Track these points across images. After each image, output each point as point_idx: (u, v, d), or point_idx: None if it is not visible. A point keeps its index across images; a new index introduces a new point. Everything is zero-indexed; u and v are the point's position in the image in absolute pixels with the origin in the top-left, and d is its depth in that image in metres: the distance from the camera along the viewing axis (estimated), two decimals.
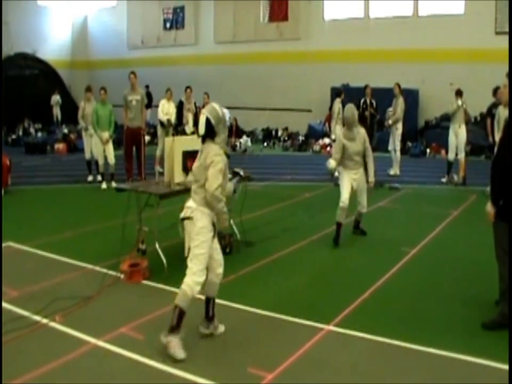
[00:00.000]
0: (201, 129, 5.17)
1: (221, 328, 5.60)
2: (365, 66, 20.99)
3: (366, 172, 8.85)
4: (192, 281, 5.06)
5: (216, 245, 5.43)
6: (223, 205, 5.12)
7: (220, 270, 5.42)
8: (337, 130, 15.22)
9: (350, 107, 8.67)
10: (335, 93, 15.92)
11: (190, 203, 5.25)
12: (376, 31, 21.43)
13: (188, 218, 5.19)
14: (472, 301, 6.36)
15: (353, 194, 8.82)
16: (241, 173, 6.28)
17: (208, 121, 5.12)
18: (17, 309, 6.05)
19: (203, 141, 5.23)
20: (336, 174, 13.87)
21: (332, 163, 8.67)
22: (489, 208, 5.62)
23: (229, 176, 5.73)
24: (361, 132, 8.67)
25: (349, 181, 8.68)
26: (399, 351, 5.19)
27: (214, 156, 5.08)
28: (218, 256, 5.43)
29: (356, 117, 8.57)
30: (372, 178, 8.85)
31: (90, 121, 13.50)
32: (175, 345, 4.99)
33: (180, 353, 4.96)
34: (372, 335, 5.46)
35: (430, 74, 20.09)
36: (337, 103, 15.01)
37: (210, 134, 5.15)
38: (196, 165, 5.31)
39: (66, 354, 5.02)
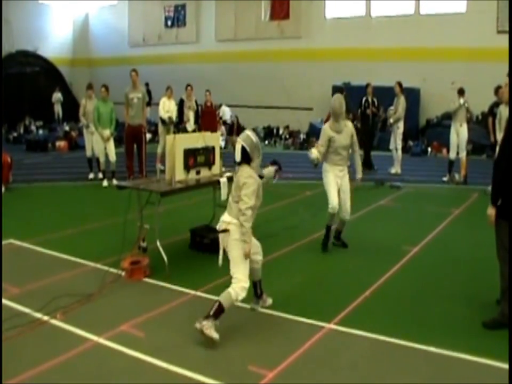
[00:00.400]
0: (238, 156, 5.52)
1: (269, 301, 6.18)
2: (367, 64, 20.96)
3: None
4: (239, 287, 5.37)
5: (252, 240, 5.70)
6: (249, 225, 5.42)
7: (259, 257, 5.91)
8: None
9: (337, 97, 8.12)
10: (336, 90, 15.90)
11: (226, 217, 5.59)
12: (378, 29, 21.41)
13: (224, 231, 5.54)
14: (473, 300, 6.36)
15: None
16: (278, 164, 6.42)
17: (244, 149, 5.48)
18: (18, 306, 6.06)
19: (239, 164, 5.58)
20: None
21: (313, 152, 7.97)
22: (490, 210, 5.61)
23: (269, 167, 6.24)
24: (348, 125, 8.12)
25: (335, 180, 8.08)
26: (400, 349, 5.19)
27: (246, 178, 5.43)
28: (254, 248, 5.78)
29: (343, 108, 7.94)
30: (360, 174, 8.37)
31: (91, 118, 13.50)
32: (210, 327, 5.16)
33: (214, 334, 5.16)
34: (372, 334, 5.46)
35: (431, 73, 20.07)
36: None
37: (246, 160, 5.51)
38: (234, 180, 5.71)
39: (67, 352, 5.03)
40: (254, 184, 5.44)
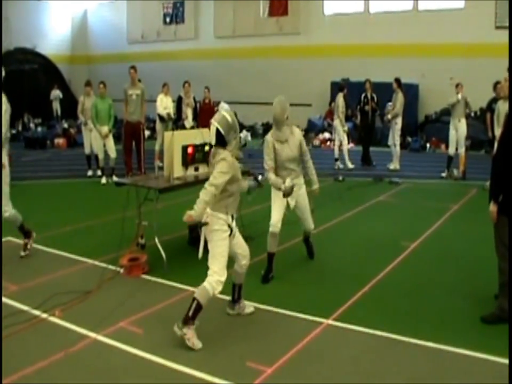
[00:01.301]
0: (212, 139, 5.23)
1: (249, 309, 5.90)
2: (365, 60, 20.96)
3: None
4: (214, 280, 5.13)
5: (238, 239, 5.57)
6: (206, 198, 5.08)
7: (244, 261, 5.62)
8: (337, 124, 15.25)
9: (279, 101, 6.96)
10: (338, 87, 15.91)
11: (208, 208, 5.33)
12: (376, 25, 21.39)
13: (206, 224, 5.28)
14: (472, 295, 6.37)
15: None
16: (259, 178, 5.95)
17: (218, 131, 5.16)
18: (17, 303, 6.06)
19: (214, 147, 5.32)
20: (341, 165, 13.84)
21: (287, 181, 6.47)
22: (492, 207, 5.60)
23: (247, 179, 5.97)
24: (295, 132, 6.95)
25: (281, 198, 6.75)
26: (398, 345, 5.20)
27: (220, 160, 5.15)
28: (241, 249, 5.57)
29: (284, 113, 6.79)
30: (316, 185, 7.16)
31: (89, 115, 13.50)
32: (192, 336, 5.07)
33: (197, 343, 5.07)
34: (370, 329, 5.47)
35: (430, 69, 20.06)
36: (340, 98, 15.04)
37: (221, 143, 5.21)
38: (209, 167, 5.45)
39: (66, 349, 5.03)
40: (225, 165, 5.12)
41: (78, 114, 14.54)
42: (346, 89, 15.26)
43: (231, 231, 5.37)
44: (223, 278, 5.20)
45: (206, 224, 5.27)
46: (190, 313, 5.07)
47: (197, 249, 5.37)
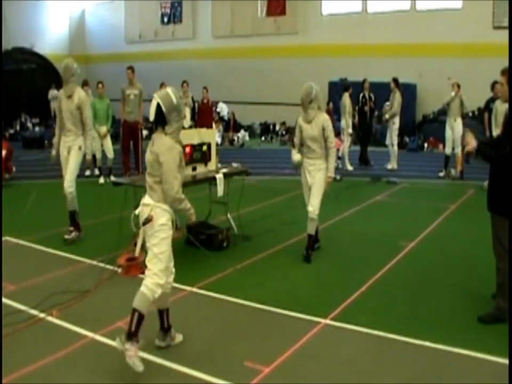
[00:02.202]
0: (152, 115, 4.75)
1: (179, 338, 5.21)
2: (363, 60, 20.97)
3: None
4: (153, 283, 4.64)
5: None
6: (186, 203, 4.82)
7: (170, 279, 4.96)
8: (343, 124, 15.27)
9: (307, 85, 7.78)
10: (343, 87, 15.94)
11: (147, 199, 4.83)
12: (374, 25, 21.41)
13: (150, 220, 4.71)
14: (469, 295, 6.37)
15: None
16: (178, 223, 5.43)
17: (159, 107, 4.69)
18: (14, 303, 6.05)
19: (155, 128, 4.82)
20: (340, 165, 13.82)
21: (296, 156, 7.79)
22: (473, 143, 5.63)
23: None
24: (321, 117, 7.63)
25: (306, 180, 7.79)
26: (396, 344, 5.20)
27: (167, 151, 4.68)
28: (171, 263, 4.96)
29: (311, 96, 7.59)
30: (331, 174, 7.67)
31: None
32: (134, 356, 4.50)
33: (139, 365, 4.48)
34: (368, 329, 5.46)
35: (427, 69, 20.08)
36: (346, 97, 15.07)
37: (161, 121, 4.72)
38: (148, 154, 4.85)
39: (64, 349, 5.03)
40: (175, 157, 4.70)
41: None
42: (351, 89, 15.27)
43: (175, 228, 4.91)
44: (163, 281, 4.71)
45: (150, 220, 4.71)
46: (133, 328, 4.54)
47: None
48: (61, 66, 8.69)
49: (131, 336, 4.53)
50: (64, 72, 8.46)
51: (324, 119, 7.62)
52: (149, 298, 4.63)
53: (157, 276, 4.66)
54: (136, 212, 4.90)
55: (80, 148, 8.41)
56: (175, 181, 4.68)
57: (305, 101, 7.67)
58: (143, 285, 4.65)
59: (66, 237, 8.49)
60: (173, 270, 4.99)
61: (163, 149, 4.68)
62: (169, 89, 4.84)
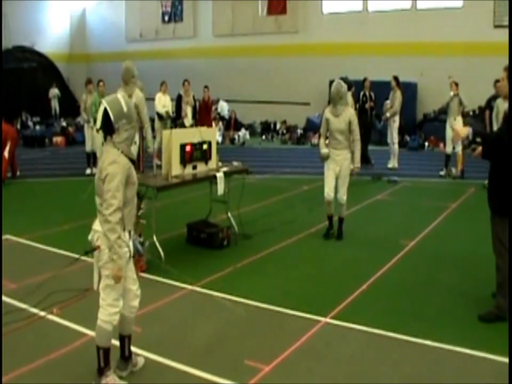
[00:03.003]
0: (98, 120, 4.30)
1: (141, 362, 4.78)
2: (364, 59, 20.94)
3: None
4: (107, 314, 4.33)
5: (131, 273, 4.54)
6: (116, 238, 4.11)
7: (135, 303, 4.59)
8: None
9: (337, 83, 8.37)
10: (348, 86, 15.88)
11: (97, 224, 4.34)
12: (375, 24, 21.39)
13: (96, 248, 4.31)
14: (469, 293, 6.37)
15: None
16: (140, 250, 5.02)
17: (106, 114, 4.23)
18: (15, 301, 6.06)
19: (104, 139, 4.34)
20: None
21: (324, 150, 8.45)
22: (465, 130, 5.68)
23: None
24: (348, 111, 8.39)
25: (332, 167, 8.44)
26: (396, 343, 5.20)
27: (108, 166, 4.17)
28: (134, 286, 4.57)
29: (340, 93, 8.27)
30: (356, 164, 8.50)
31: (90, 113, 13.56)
32: (114, 382, 4.38)
33: None
34: (369, 328, 5.47)
35: (428, 67, 20.06)
36: (349, 96, 15.03)
37: (108, 129, 4.25)
38: (96, 171, 4.37)
39: (64, 347, 5.03)
40: (118, 174, 4.14)
41: (81, 112, 14.61)
42: (354, 88, 15.23)
43: (129, 256, 4.41)
44: (118, 309, 4.37)
45: (96, 248, 4.31)
46: (102, 364, 4.35)
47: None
48: (122, 68, 9.24)
49: (103, 371, 4.36)
50: (125, 73, 9.13)
51: (350, 113, 8.41)
52: (107, 330, 4.34)
53: (111, 306, 4.33)
54: (89, 237, 4.44)
55: (135, 142, 8.57)
56: (113, 200, 4.09)
57: (336, 97, 8.32)
58: (99, 318, 4.36)
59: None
60: (138, 292, 4.60)
61: (106, 163, 4.19)
62: (119, 95, 4.39)
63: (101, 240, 4.24)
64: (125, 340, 4.65)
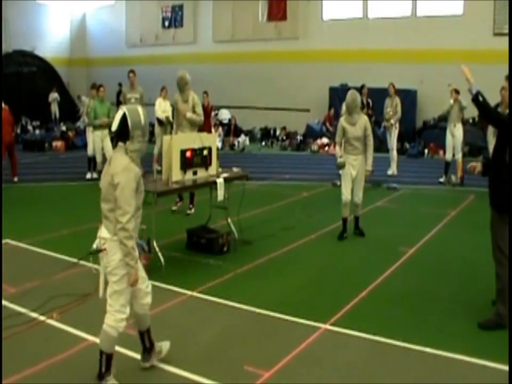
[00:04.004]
0: (115, 124, 4.36)
1: (166, 347, 4.98)
2: (364, 66, 20.97)
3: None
4: (114, 320, 4.41)
5: (140, 272, 4.61)
6: (133, 244, 4.31)
7: (147, 299, 4.76)
8: None
9: (352, 93, 8.80)
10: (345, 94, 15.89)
11: (103, 232, 4.46)
12: (375, 31, 21.41)
13: (101, 250, 4.40)
14: (469, 301, 6.37)
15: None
16: (144, 247, 5.02)
17: (124, 119, 4.33)
18: (15, 306, 6.06)
19: (115, 145, 4.43)
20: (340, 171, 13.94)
21: (341, 160, 8.83)
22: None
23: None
24: (362, 118, 8.83)
25: (349, 171, 8.78)
26: (396, 350, 5.20)
27: (122, 172, 4.27)
28: (143, 284, 4.69)
29: (356, 102, 8.73)
30: (369, 167, 8.93)
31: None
32: None
33: None
34: (368, 335, 5.47)
35: (428, 75, 20.08)
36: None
37: (123, 135, 4.35)
38: (103, 175, 4.50)
39: (64, 352, 5.03)
40: (131, 181, 4.26)
41: (82, 116, 14.69)
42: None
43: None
44: (125, 315, 4.45)
45: (101, 250, 4.40)
46: (103, 369, 4.41)
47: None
48: (177, 76, 10.32)
49: (103, 376, 4.42)
50: (180, 82, 10.17)
51: (365, 120, 8.88)
52: (113, 335, 4.42)
53: (118, 312, 4.42)
54: (94, 245, 4.50)
55: None
56: (129, 208, 4.24)
57: (352, 107, 8.73)
58: (105, 323, 4.44)
59: (174, 208, 10.69)
60: (148, 289, 4.75)
61: (119, 170, 4.28)
62: (140, 109, 4.47)
63: (108, 245, 4.34)
64: (144, 335, 4.81)
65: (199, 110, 10.30)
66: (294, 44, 23.73)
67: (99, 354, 4.42)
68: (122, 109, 4.38)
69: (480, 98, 5.63)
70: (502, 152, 5.54)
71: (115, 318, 4.39)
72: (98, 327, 5.48)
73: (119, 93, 15.81)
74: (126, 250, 4.26)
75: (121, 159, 4.33)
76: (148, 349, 4.83)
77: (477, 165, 6.01)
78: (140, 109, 4.45)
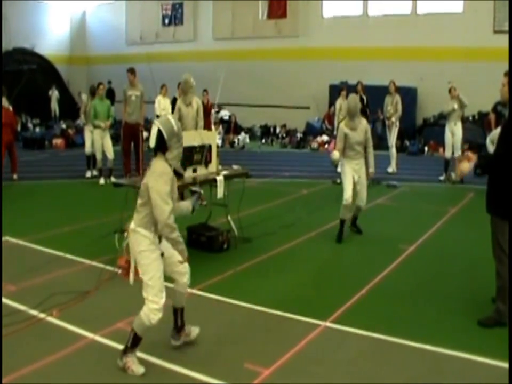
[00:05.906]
0: (152, 141, 4.71)
1: (195, 332, 5.25)
2: (364, 64, 20.96)
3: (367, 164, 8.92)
4: (150, 309, 4.62)
5: (173, 258, 4.87)
6: (177, 234, 4.66)
7: (184, 279, 4.98)
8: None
9: (353, 97, 8.80)
10: (338, 90, 15.87)
11: (132, 223, 4.82)
12: (375, 28, 21.42)
13: (125, 230, 4.78)
14: (469, 298, 6.37)
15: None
16: (199, 189, 5.55)
17: (160, 133, 4.65)
18: (14, 303, 6.05)
19: (155, 155, 4.76)
20: (338, 169, 13.93)
21: (335, 154, 8.71)
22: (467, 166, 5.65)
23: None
24: (363, 122, 8.74)
25: (351, 174, 8.68)
26: (396, 347, 5.20)
27: (157, 177, 4.61)
28: (178, 267, 4.90)
29: (358, 107, 8.66)
30: (372, 169, 8.89)
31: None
32: (132, 364, 4.68)
33: (137, 369, 4.66)
34: (368, 332, 5.47)
35: (428, 72, 20.08)
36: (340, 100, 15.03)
37: (161, 148, 4.69)
38: (144, 178, 4.81)
39: (63, 349, 5.03)
40: (165, 183, 4.60)
41: (80, 114, 14.68)
42: (346, 91, 15.18)
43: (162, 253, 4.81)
44: (159, 306, 4.64)
45: (125, 230, 4.74)
46: (129, 345, 4.69)
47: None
48: (182, 80, 10.54)
49: (127, 351, 4.71)
50: (185, 85, 10.40)
51: (366, 124, 8.81)
52: (144, 323, 4.65)
53: (152, 302, 4.63)
54: (125, 234, 4.89)
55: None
56: (166, 206, 4.54)
57: (353, 111, 8.62)
58: (143, 310, 4.68)
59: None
60: (184, 270, 4.95)
61: (156, 174, 4.63)
62: (170, 116, 4.88)
63: (132, 236, 4.74)
64: (177, 312, 5.15)
65: (202, 113, 10.59)
66: (294, 41, 23.73)
67: (130, 331, 4.72)
68: (156, 125, 4.68)
69: (478, 171, 5.71)
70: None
71: (149, 308, 4.64)
72: (98, 325, 5.52)
73: (108, 90, 15.74)
74: (172, 242, 4.69)
75: (159, 163, 4.69)
76: (178, 328, 5.16)
77: (463, 167, 5.73)
78: (170, 117, 4.81)
